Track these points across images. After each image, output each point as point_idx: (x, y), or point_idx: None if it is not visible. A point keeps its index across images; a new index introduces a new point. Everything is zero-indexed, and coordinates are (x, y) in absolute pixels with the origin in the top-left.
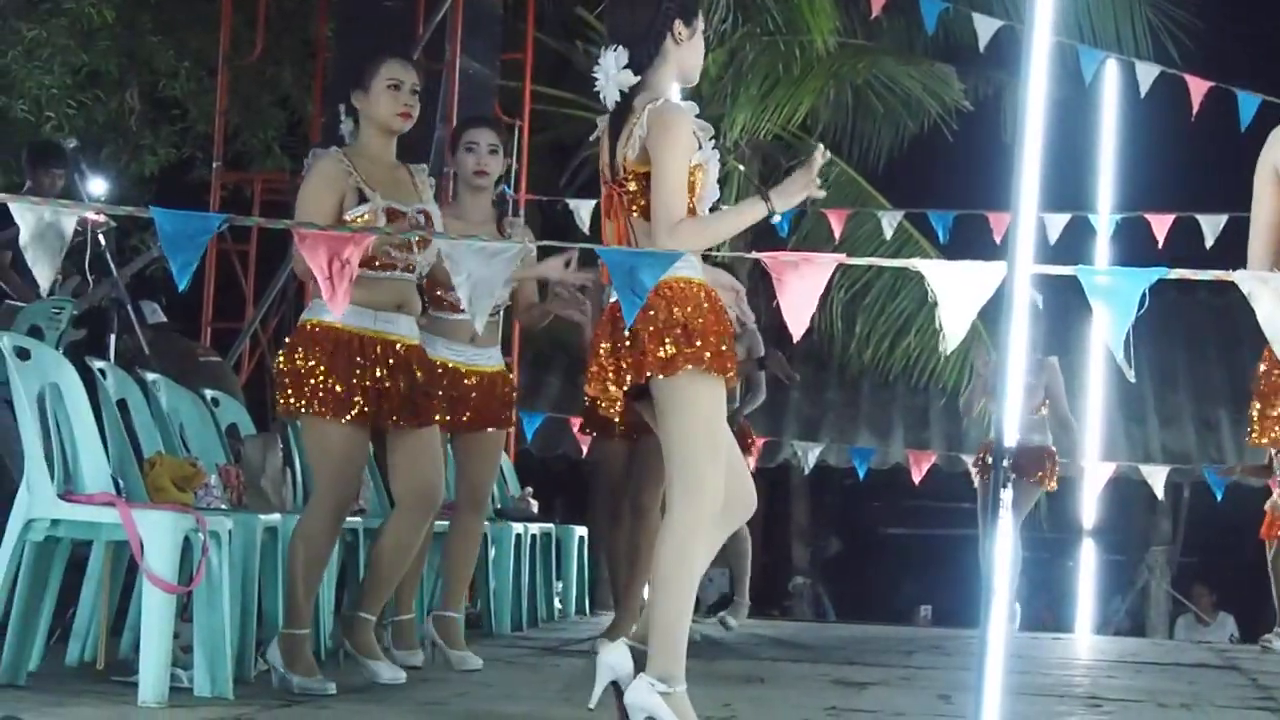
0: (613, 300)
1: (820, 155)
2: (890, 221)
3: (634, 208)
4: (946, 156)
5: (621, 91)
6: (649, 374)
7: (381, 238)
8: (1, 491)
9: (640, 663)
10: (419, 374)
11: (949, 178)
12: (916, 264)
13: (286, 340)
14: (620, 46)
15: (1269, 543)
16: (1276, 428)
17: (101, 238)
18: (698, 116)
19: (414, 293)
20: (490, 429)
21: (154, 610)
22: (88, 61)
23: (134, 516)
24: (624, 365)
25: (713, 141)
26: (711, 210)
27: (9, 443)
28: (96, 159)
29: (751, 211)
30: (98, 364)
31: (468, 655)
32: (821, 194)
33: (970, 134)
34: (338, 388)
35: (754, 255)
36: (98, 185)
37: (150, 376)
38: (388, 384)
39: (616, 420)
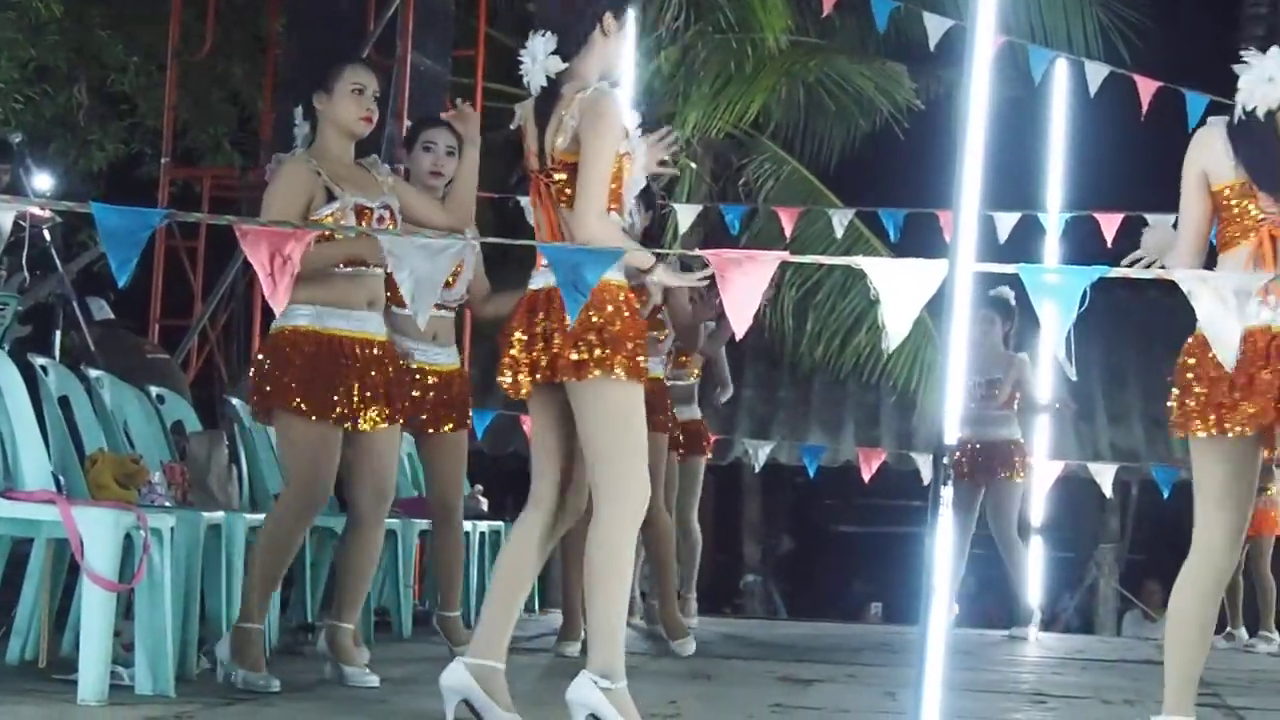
0: (531, 289)
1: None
2: (841, 220)
3: (562, 198)
4: (898, 155)
5: (548, 78)
6: (562, 376)
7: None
8: None
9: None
10: (391, 370)
11: (900, 176)
12: (859, 262)
13: (263, 343)
14: (549, 32)
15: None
16: (1195, 420)
17: (46, 233)
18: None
19: (382, 289)
20: (451, 429)
21: (94, 608)
22: (36, 56)
23: (74, 514)
24: (540, 361)
25: (640, 130)
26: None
27: None
28: (44, 154)
29: (641, 257)
30: (39, 360)
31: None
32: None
33: (921, 133)
34: (318, 390)
35: (698, 253)
36: (43, 180)
37: (94, 373)
38: (367, 383)
39: None
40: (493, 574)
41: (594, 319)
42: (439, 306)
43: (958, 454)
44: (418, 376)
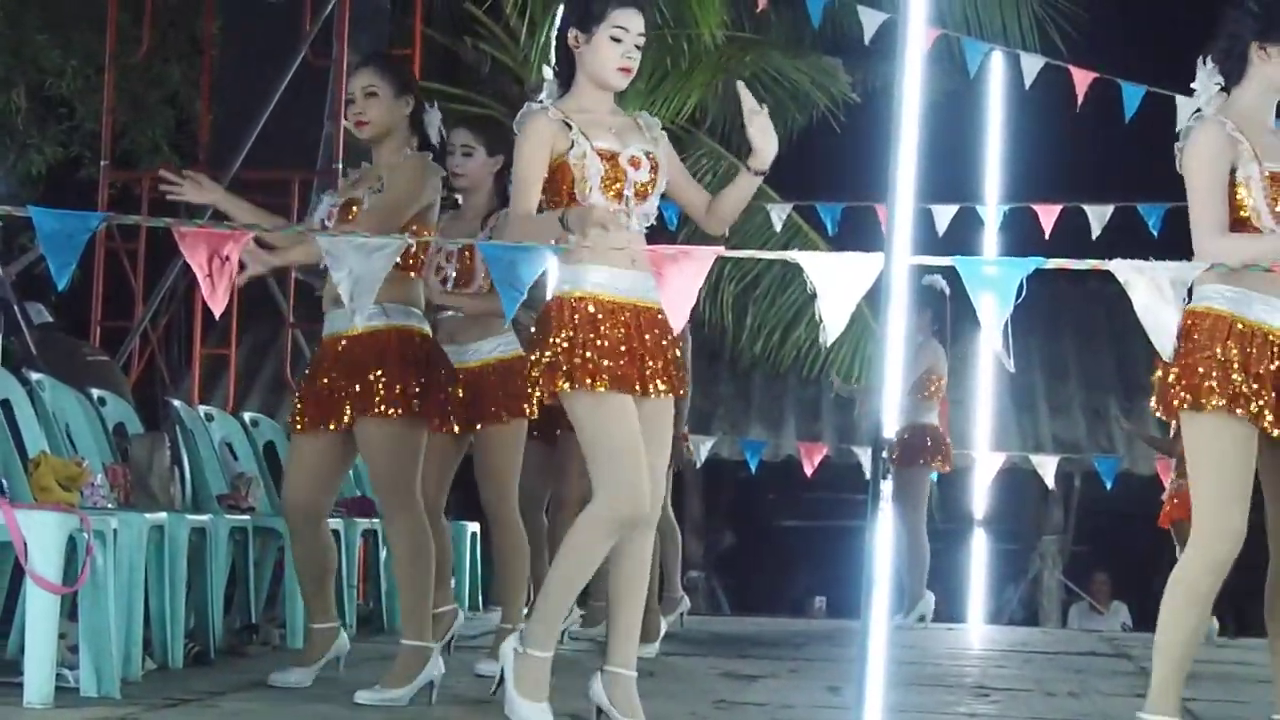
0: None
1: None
2: (779, 214)
3: None
4: (835, 149)
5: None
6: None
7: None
8: None
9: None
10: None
11: (838, 170)
12: (796, 256)
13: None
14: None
15: (1172, 530)
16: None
17: None
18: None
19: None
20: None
21: (38, 610)
22: None
23: (17, 517)
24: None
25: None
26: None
27: None
28: None
29: (551, 228)
30: None
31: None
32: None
33: (858, 127)
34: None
35: (640, 248)
36: None
37: (35, 376)
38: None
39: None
40: (616, 582)
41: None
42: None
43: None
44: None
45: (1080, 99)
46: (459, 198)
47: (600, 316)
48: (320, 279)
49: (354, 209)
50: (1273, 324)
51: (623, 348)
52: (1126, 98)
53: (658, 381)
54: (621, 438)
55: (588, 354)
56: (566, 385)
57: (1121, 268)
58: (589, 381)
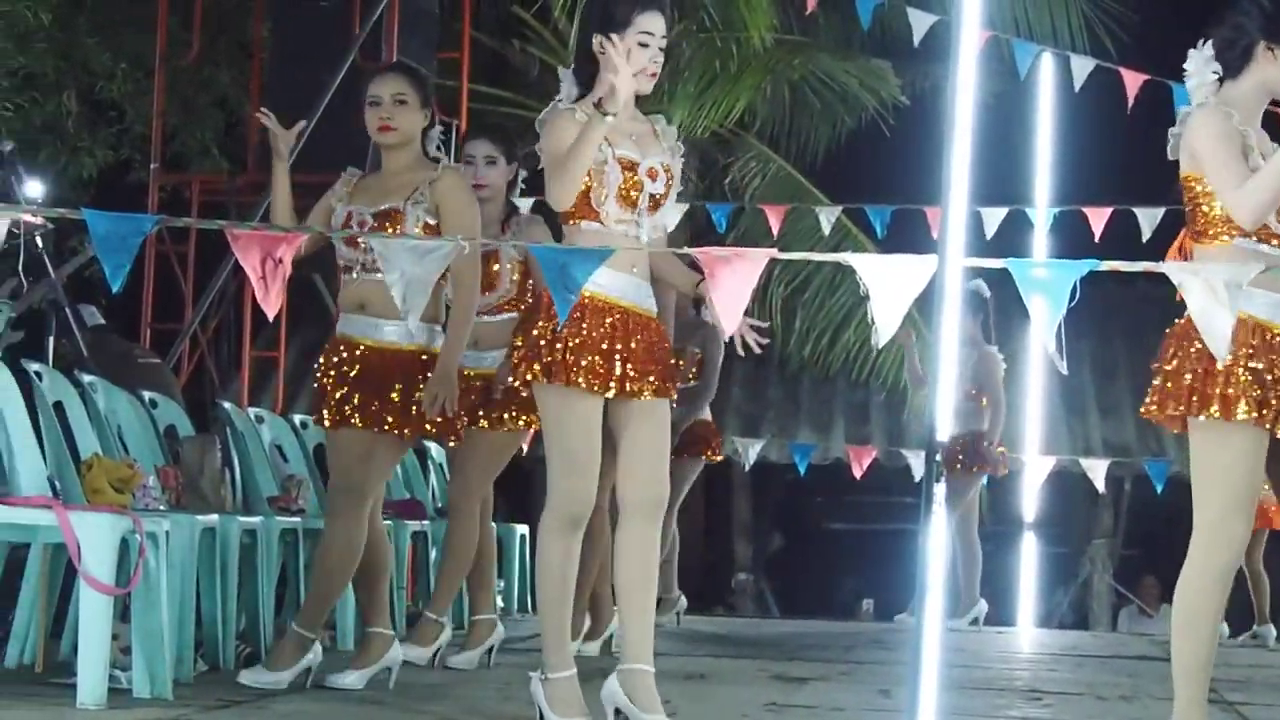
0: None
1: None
2: (828, 217)
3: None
4: (884, 152)
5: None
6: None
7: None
8: None
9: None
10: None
11: (886, 173)
12: (848, 258)
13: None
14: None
15: None
16: (1170, 403)
17: (39, 240)
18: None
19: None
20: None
21: (92, 612)
22: (24, 63)
23: (71, 518)
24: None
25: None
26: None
27: None
28: (34, 161)
29: (591, 132)
30: (34, 366)
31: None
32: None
33: (907, 129)
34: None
35: (686, 251)
36: (34, 187)
37: (87, 378)
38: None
39: None
40: (619, 581)
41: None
42: (478, 312)
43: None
44: (472, 382)
45: (1131, 101)
46: None
47: (586, 315)
48: (320, 272)
49: (396, 217)
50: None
51: (604, 346)
52: (1177, 99)
53: (644, 384)
54: (579, 440)
55: (566, 349)
56: (543, 377)
57: (1176, 270)
58: (563, 378)
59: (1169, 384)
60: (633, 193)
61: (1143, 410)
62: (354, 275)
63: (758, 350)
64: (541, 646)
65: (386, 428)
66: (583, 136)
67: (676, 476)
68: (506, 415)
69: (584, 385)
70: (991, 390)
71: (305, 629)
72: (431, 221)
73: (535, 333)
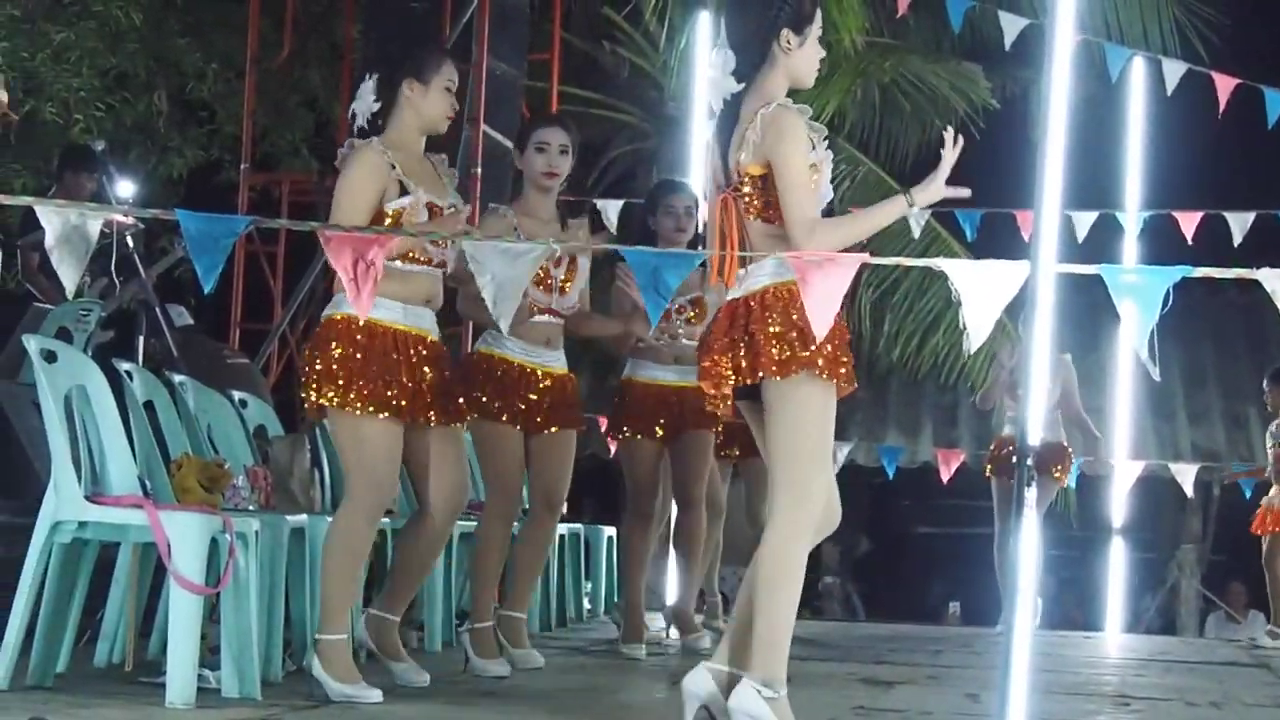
0: (729, 299)
1: (952, 143)
2: (918, 220)
3: (750, 211)
4: (974, 155)
5: (727, 98)
6: (762, 375)
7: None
8: (29, 493)
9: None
10: (444, 371)
11: (976, 176)
12: (940, 263)
13: (314, 335)
14: (730, 50)
15: (1264, 538)
16: None
17: (130, 240)
18: None
19: (440, 288)
20: (562, 429)
21: (181, 611)
22: (116, 64)
23: (161, 518)
24: (742, 364)
25: (826, 142)
26: (825, 213)
27: (37, 445)
28: (125, 161)
29: (892, 208)
30: (124, 366)
31: (531, 653)
32: (965, 192)
33: (997, 132)
34: (374, 383)
35: (778, 255)
36: (125, 187)
37: (177, 378)
38: (421, 379)
39: (658, 424)
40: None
41: (795, 319)
42: (552, 313)
43: (1006, 453)
44: (533, 380)
45: (1223, 105)
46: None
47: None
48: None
49: (438, 210)
50: None
51: None
52: (1270, 104)
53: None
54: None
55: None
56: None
57: (1269, 277)
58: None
59: None
60: (826, 196)
61: None
62: (428, 268)
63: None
64: (771, 661)
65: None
66: (879, 213)
67: (752, 475)
68: (576, 415)
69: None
70: (1069, 399)
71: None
72: None
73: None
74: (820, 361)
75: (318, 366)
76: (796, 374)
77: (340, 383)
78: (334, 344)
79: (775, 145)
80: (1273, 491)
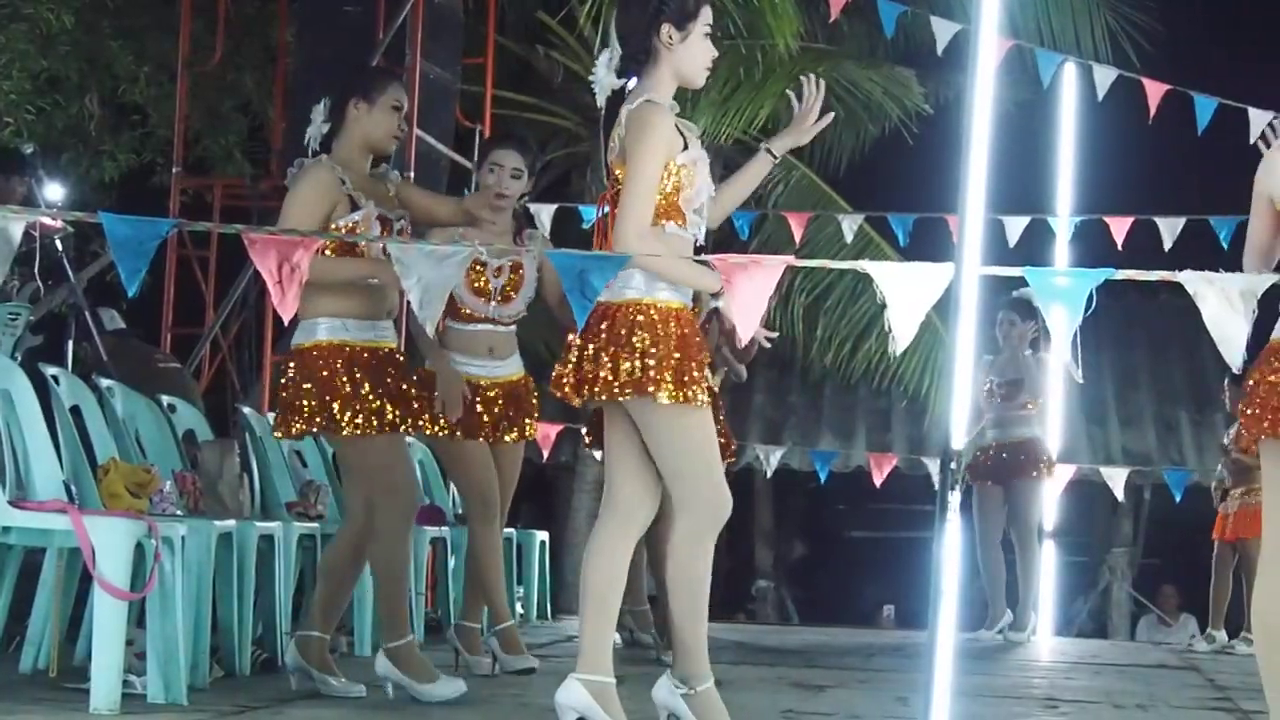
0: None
1: (812, 88)
2: (850, 225)
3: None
4: (907, 160)
5: (611, 94)
6: (604, 395)
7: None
8: None
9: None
10: (401, 376)
11: (909, 181)
12: (865, 266)
13: (290, 368)
14: (616, 48)
15: (1218, 543)
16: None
17: (58, 243)
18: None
19: (397, 298)
20: (516, 442)
21: (106, 617)
22: (47, 67)
23: (86, 523)
24: (588, 376)
25: (701, 140)
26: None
27: None
28: (56, 165)
29: (755, 170)
30: (51, 370)
31: (483, 660)
32: (826, 118)
33: (931, 137)
34: (363, 402)
35: (704, 258)
36: (55, 191)
37: (105, 382)
38: (384, 388)
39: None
40: (585, 587)
41: (641, 340)
42: (494, 322)
43: (981, 456)
44: (479, 391)
45: (1153, 111)
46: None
47: (680, 324)
48: None
49: (389, 224)
50: None
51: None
52: (1199, 110)
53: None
54: (708, 448)
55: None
56: (676, 392)
57: (1191, 279)
58: (687, 391)
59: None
60: (702, 194)
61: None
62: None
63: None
64: (686, 658)
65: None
66: (692, 274)
67: None
68: (528, 422)
69: (703, 399)
70: (1043, 397)
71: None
72: None
73: (658, 349)
74: (661, 383)
75: (307, 394)
76: (629, 397)
77: (336, 408)
78: (321, 369)
79: (631, 144)
80: (1234, 496)
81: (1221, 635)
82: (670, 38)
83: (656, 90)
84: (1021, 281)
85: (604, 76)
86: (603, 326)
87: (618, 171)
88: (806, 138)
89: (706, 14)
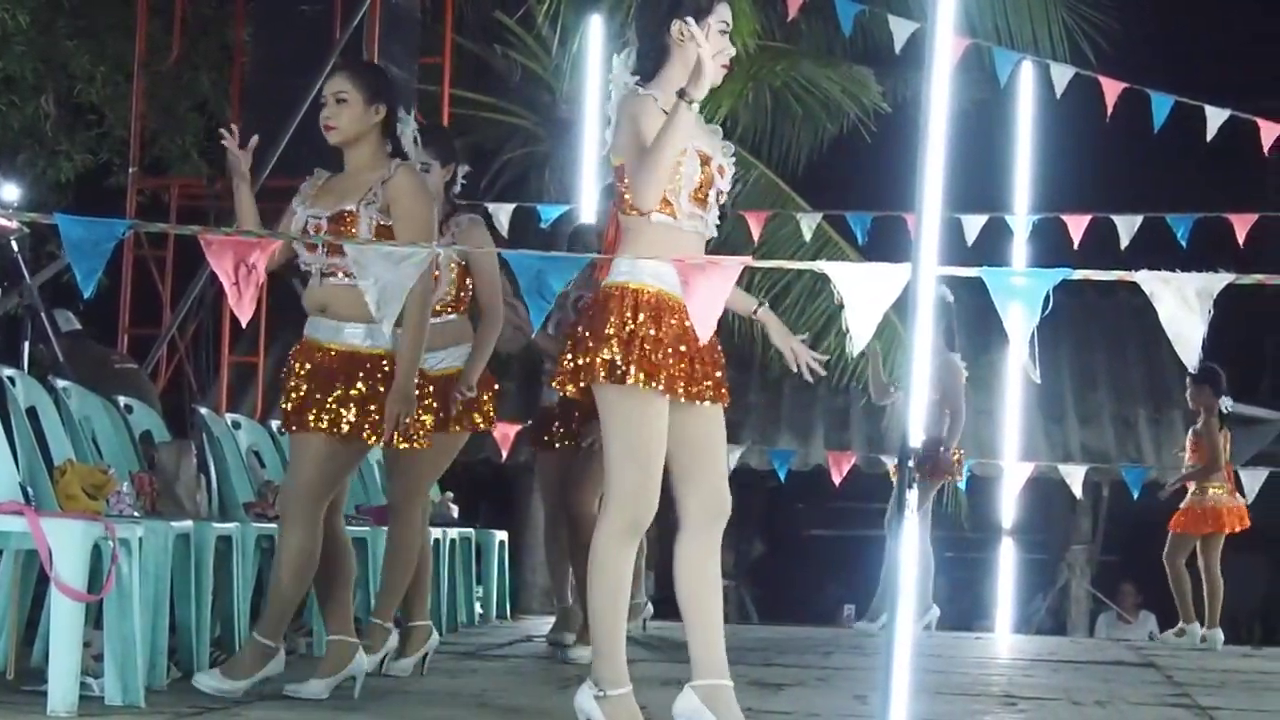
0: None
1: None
2: (809, 224)
3: (620, 205)
4: (865, 159)
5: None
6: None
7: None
8: None
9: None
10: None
11: (868, 180)
12: (822, 266)
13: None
14: (634, 46)
15: (1177, 534)
16: None
17: (14, 244)
18: None
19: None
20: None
21: (63, 619)
22: (2, 67)
23: (43, 525)
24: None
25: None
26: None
27: None
28: (12, 165)
29: (679, 117)
30: (6, 371)
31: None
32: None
33: (889, 136)
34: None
35: (665, 259)
36: (10, 191)
37: (61, 384)
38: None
39: (556, 431)
40: (683, 599)
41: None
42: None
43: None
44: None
45: (1110, 109)
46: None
47: (662, 312)
48: (298, 277)
49: (350, 220)
50: None
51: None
52: (1156, 107)
53: (704, 388)
54: (651, 442)
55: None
56: (621, 377)
57: (1147, 279)
58: (641, 377)
59: None
60: (705, 188)
61: None
62: (315, 279)
63: (822, 374)
64: (601, 661)
65: (348, 431)
66: (671, 124)
67: None
68: (451, 418)
69: (663, 386)
70: (952, 398)
71: (266, 638)
72: (384, 222)
73: (609, 330)
74: (621, 367)
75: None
76: (599, 380)
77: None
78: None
79: (615, 135)
80: (1193, 490)
81: (1195, 628)
82: (682, 35)
83: (661, 86)
84: (963, 281)
85: (620, 75)
86: (590, 314)
87: (615, 163)
88: (716, 79)
89: (722, 11)
